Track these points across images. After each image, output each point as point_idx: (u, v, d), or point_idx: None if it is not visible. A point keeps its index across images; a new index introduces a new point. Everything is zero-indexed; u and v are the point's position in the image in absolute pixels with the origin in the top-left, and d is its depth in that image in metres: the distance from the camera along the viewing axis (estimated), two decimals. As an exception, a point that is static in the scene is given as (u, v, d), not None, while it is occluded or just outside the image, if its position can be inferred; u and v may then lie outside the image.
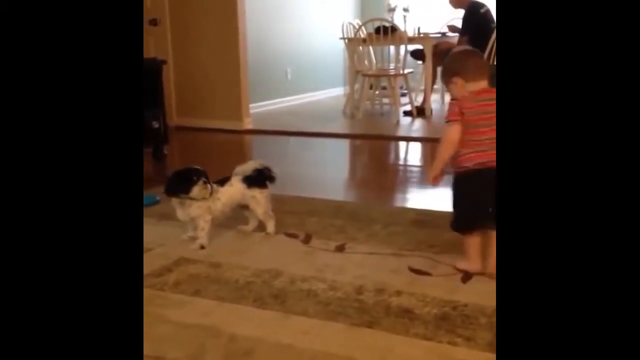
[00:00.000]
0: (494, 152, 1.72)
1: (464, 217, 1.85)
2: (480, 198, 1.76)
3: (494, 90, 1.77)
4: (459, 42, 5.08)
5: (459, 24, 5.39)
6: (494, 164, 1.74)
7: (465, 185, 1.81)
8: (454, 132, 1.78)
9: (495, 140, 1.72)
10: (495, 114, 1.71)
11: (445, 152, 1.82)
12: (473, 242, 1.85)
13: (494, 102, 1.73)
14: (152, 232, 2.27)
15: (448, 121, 1.80)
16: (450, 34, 5.51)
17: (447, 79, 1.87)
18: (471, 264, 1.85)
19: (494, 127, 1.71)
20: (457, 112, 1.77)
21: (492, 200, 1.77)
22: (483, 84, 1.80)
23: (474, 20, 5.01)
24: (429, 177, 1.89)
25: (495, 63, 4.71)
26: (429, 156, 3.89)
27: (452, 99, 1.85)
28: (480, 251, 1.85)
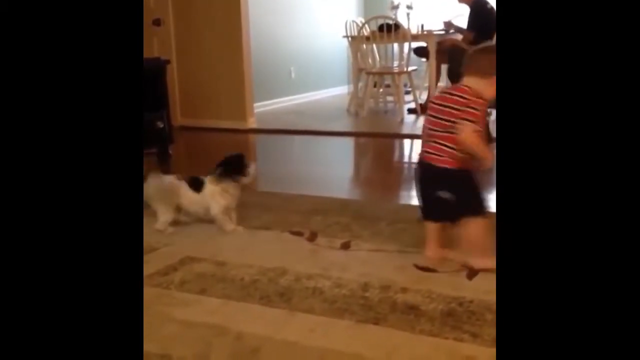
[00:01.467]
0: (433, 145, 1.82)
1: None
2: (419, 187, 1.92)
3: (461, 87, 1.80)
4: (465, 39, 5.06)
5: (458, 21, 5.38)
6: (428, 156, 1.83)
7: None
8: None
9: (437, 133, 1.80)
10: (445, 109, 1.78)
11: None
12: (428, 227, 1.96)
13: (450, 97, 1.80)
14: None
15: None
16: (451, 31, 5.49)
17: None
18: (426, 249, 1.96)
19: (441, 121, 1.80)
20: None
21: (426, 191, 1.88)
22: (473, 81, 1.80)
23: (481, 16, 4.99)
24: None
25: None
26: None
27: None
28: (435, 239, 1.95)
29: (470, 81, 1.81)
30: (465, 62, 1.86)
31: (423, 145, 1.89)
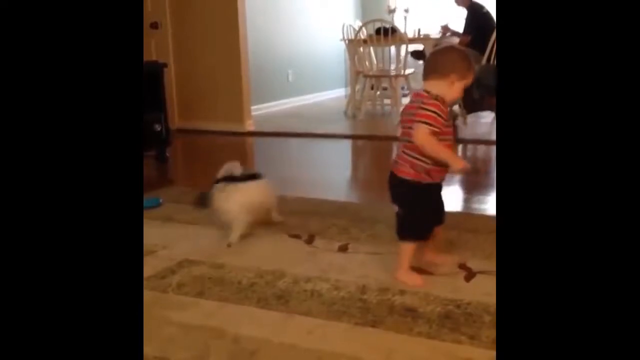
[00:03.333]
0: (399, 155, 1.76)
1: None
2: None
3: (421, 93, 1.72)
4: (462, 42, 5.08)
5: (454, 25, 5.40)
6: (395, 166, 1.76)
7: None
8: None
9: (402, 142, 1.74)
10: (408, 117, 1.72)
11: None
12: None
13: (411, 104, 1.74)
14: (156, 234, 2.28)
15: None
16: (447, 34, 5.51)
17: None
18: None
19: (405, 129, 1.73)
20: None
21: (394, 203, 1.79)
22: (435, 83, 1.71)
23: (478, 19, 5.01)
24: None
25: (495, 62, 4.72)
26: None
27: None
28: (408, 259, 1.81)
29: (430, 85, 1.72)
30: (424, 66, 1.79)
31: (397, 156, 1.80)
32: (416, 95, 1.75)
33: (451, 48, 1.86)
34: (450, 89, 1.70)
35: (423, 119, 1.65)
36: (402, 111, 1.80)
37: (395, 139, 4.58)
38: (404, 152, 1.74)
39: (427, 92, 1.71)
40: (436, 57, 1.79)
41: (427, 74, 1.74)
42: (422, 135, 1.65)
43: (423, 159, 1.70)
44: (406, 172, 1.73)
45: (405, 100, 5.64)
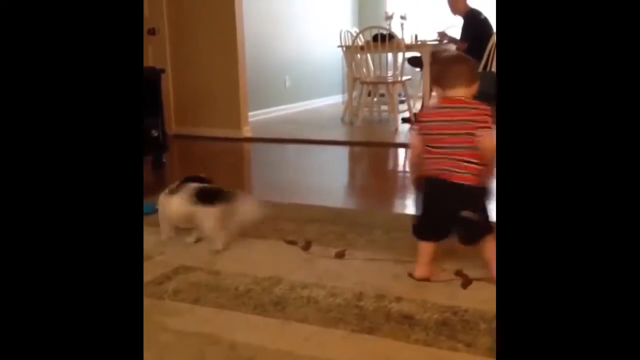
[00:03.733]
0: (452, 162, 1.73)
1: (417, 223, 1.87)
2: (431, 206, 1.79)
3: (459, 99, 1.74)
4: (459, 49, 5.09)
5: (452, 32, 5.42)
6: (448, 174, 1.73)
7: (422, 191, 1.83)
8: (412, 139, 1.83)
9: (454, 150, 1.73)
10: (456, 124, 1.72)
11: (410, 156, 1.85)
12: (424, 248, 1.86)
13: (456, 111, 1.74)
14: (152, 240, 2.27)
15: (411, 129, 1.83)
16: (444, 41, 5.53)
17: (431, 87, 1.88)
18: (417, 269, 1.86)
19: (456, 137, 1.72)
20: (415, 121, 1.79)
21: (444, 211, 1.78)
22: (461, 91, 1.75)
23: (474, 27, 5.03)
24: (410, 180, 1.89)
25: (492, 69, 4.73)
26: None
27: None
28: (429, 259, 1.85)
29: (459, 92, 1.74)
30: (445, 75, 1.78)
31: (432, 163, 1.76)
32: (456, 101, 1.75)
33: (466, 57, 1.89)
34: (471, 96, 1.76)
35: (490, 125, 1.68)
36: (438, 119, 1.76)
37: (393, 145, 4.59)
38: (458, 159, 1.71)
39: (463, 97, 1.75)
40: (461, 66, 1.80)
41: (455, 82, 1.75)
42: (494, 141, 1.65)
43: (479, 162, 1.72)
44: (470, 178, 1.72)
45: (403, 107, 5.69)
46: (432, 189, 1.79)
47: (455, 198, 1.75)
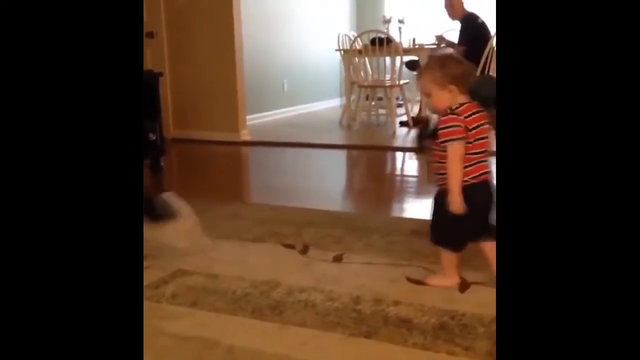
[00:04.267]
0: (487, 165, 1.74)
1: (456, 232, 1.78)
2: (475, 213, 1.74)
3: (473, 103, 1.74)
4: (457, 53, 5.10)
5: (450, 35, 5.43)
6: (490, 177, 1.75)
7: (468, 199, 1.72)
8: (462, 150, 1.68)
9: (485, 154, 1.73)
10: (482, 127, 1.72)
11: (460, 172, 1.70)
12: (451, 256, 1.83)
13: (479, 115, 1.73)
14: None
15: (452, 139, 1.67)
16: (442, 45, 5.54)
17: (441, 85, 1.71)
18: (448, 279, 1.84)
19: (485, 140, 1.73)
20: (463, 128, 1.67)
21: (488, 213, 1.78)
22: (464, 97, 1.73)
23: (472, 30, 5.05)
24: (457, 206, 1.69)
25: (490, 73, 4.74)
26: (425, 166, 3.89)
27: (447, 113, 1.70)
28: (456, 265, 1.84)
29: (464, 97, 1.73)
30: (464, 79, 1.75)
31: (474, 170, 1.71)
32: (475, 105, 1.75)
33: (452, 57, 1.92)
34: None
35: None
36: (477, 124, 1.71)
37: (391, 149, 4.59)
38: (486, 161, 1.74)
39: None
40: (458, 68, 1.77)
41: (465, 86, 1.75)
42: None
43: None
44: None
45: (400, 111, 5.69)
46: (481, 193, 1.73)
47: (493, 200, 1.73)
